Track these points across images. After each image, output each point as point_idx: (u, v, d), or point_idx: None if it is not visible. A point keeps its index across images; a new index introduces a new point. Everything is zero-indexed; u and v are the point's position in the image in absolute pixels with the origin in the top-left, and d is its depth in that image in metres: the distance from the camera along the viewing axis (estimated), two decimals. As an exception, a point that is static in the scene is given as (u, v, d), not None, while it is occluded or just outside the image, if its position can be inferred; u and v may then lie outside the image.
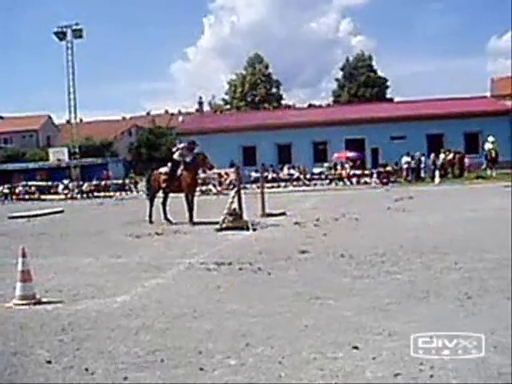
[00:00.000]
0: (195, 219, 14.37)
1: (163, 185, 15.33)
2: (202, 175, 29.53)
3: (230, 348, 4.44)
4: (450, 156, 32.76)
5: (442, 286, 6.20)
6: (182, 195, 15.03)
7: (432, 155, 33.48)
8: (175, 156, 15.36)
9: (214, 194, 29.56)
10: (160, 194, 15.82)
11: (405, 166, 32.67)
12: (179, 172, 14.92)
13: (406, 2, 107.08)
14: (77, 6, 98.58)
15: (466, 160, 33.63)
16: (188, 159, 14.98)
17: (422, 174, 32.40)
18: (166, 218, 15.02)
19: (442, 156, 32.63)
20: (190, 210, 14.50)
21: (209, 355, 4.30)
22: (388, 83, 65.91)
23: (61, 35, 43.88)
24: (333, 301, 5.79)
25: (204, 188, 31.30)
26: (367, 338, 4.49)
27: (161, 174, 15.57)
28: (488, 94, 54.20)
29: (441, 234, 10.43)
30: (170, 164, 15.45)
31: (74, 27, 43.84)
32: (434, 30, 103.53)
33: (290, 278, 7.15)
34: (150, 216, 15.16)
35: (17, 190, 37.67)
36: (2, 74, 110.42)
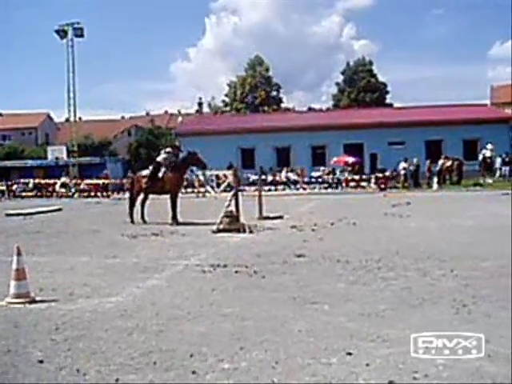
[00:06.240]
0: (193, 220, 14.61)
1: (144, 186, 15.71)
2: (201, 177, 29.78)
3: (224, 351, 4.41)
4: (449, 163, 32.80)
5: (438, 294, 6.17)
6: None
7: (427, 162, 33.59)
8: (158, 158, 15.84)
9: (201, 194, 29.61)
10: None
11: (402, 172, 32.70)
12: (161, 174, 15.32)
13: (407, 7, 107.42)
14: (78, 4, 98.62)
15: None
16: (172, 161, 15.39)
17: (420, 180, 32.44)
18: (142, 217, 15.48)
19: (440, 162, 32.68)
20: (174, 209, 14.89)
21: (202, 358, 4.27)
22: (388, 88, 66.13)
23: (62, 33, 44.05)
24: (327, 306, 5.76)
25: (202, 189, 31.32)
26: (361, 345, 4.46)
27: (143, 176, 15.97)
28: (488, 101, 54.48)
29: (437, 241, 10.41)
30: (151, 166, 15.93)
31: (75, 26, 43.98)
32: (435, 35, 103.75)
33: (286, 281, 7.11)
34: (131, 216, 15.53)
35: (14, 188, 37.60)
36: (2, 72, 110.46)
